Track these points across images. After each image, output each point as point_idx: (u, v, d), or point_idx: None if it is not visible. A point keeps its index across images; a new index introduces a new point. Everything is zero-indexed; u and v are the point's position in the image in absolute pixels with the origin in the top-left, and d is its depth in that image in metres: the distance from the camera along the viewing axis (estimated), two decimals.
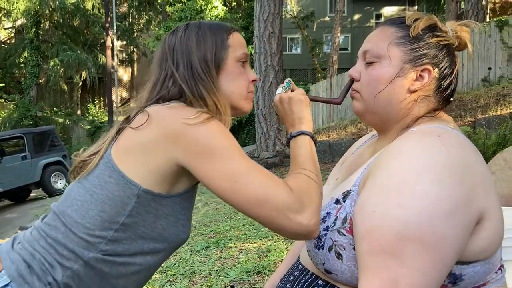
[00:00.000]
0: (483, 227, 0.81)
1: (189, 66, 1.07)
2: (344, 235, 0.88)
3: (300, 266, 1.06)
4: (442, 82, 0.96)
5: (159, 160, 0.96)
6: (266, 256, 3.40)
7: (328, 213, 0.94)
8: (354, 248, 0.85)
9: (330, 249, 0.90)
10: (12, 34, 25.63)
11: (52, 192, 10.90)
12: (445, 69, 0.96)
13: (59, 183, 11.30)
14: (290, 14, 23.86)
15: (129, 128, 1.01)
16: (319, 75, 22.25)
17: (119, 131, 1.05)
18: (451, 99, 0.99)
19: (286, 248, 3.50)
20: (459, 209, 0.76)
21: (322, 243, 0.92)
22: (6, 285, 0.97)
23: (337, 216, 0.91)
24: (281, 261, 3.20)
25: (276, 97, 1.12)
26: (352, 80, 1.04)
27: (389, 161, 0.84)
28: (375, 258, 0.77)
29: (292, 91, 1.12)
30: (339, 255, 0.88)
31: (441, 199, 0.76)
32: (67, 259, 0.99)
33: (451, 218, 0.75)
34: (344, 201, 0.92)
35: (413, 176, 0.78)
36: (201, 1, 16.51)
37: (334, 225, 0.90)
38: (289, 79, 1.16)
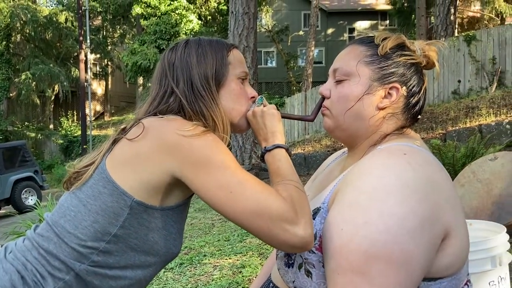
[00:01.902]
0: (449, 243, 0.82)
1: (190, 83, 1.07)
2: (314, 252, 0.87)
3: (271, 285, 1.05)
4: (410, 100, 0.98)
5: (154, 171, 0.96)
6: (240, 272, 3.37)
7: None
8: (323, 266, 0.85)
9: (300, 267, 0.90)
10: None
11: (22, 209, 10.61)
12: (413, 87, 0.97)
13: (30, 199, 10.99)
14: (265, 28, 24.08)
15: (124, 139, 1.01)
16: (294, 88, 22.43)
17: (114, 142, 1.04)
18: (419, 116, 1.01)
19: (260, 264, 3.48)
20: (425, 226, 0.77)
21: (292, 261, 0.92)
22: None
23: None
24: (255, 277, 3.18)
25: (249, 111, 1.12)
26: (323, 98, 1.05)
27: (357, 180, 0.84)
28: (343, 277, 0.78)
29: (264, 106, 1.13)
30: (308, 273, 0.88)
31: (407, 217, 0.76)
32: (58, 270, 0.98)
33: (417, 235, 0.76)
34: (314, 218, 0.92)
35: (380, 195, 0.79)
36: (176, 15, 16.51)
37: None
38: (261, 95, 1.17)
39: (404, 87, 0.96)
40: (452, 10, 11.90)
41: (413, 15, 19.50)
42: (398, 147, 0.90)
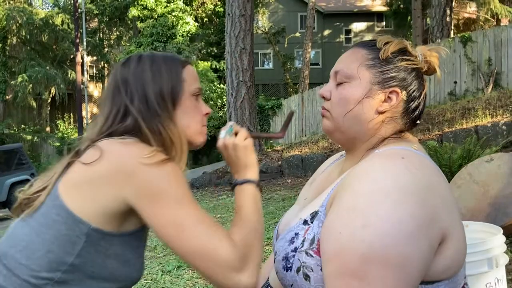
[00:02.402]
0: (446, 246, 0.83)
1: (144, 100, 1.04)
2: (312, 256, 0.88)
3: None
4: (410, 105, 0.98)
5: (110, 198, 0.93)
6: None
7: (296, 234, 0.94)
8: (322, 269, 0.85)
9: (298, 270, 0.90)
10: None
11: None
12: (413, 92, 0.98)
13: None
14: (262, 30, 24.10)
15: (79, 163, 0.97)
16: (291, 89, 22.47)
17: (68, 166, 1.00)
18: (418, 121, 1.02)
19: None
20: (422, 229, 0.78)
21: (290, 265, 0.92)
22: None
23: (305, 237, 0.91)
24: None
25: (220, 142, 1.12)
26: (292, 113, 1.10)
27: (355, 183, 0.85)
28: (341, 280, 0.78)
29: (236, 133, 1.13)
30: (307, 277, 0.88)
31: (404, 220, 0.77)
32: None
33: (415, 239, 0.77)
34: (312, 222, 0.92)
35: (377, 198, 0.79)
36: (172, 17, 16.50)
37: (302, 246, 0.90)
38: (232, 122, 1.17)
39: (404, 92, 0.97)
40: (448, 12, 11.95)
41: (409, 17, 19.57)
42: (396, 150, 0.91)
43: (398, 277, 0.75)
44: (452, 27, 12.66)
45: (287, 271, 0.92)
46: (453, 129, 7.89)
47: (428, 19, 17.46)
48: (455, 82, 10.54)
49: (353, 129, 0.99)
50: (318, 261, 0.86)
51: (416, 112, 1.00)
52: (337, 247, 0.80)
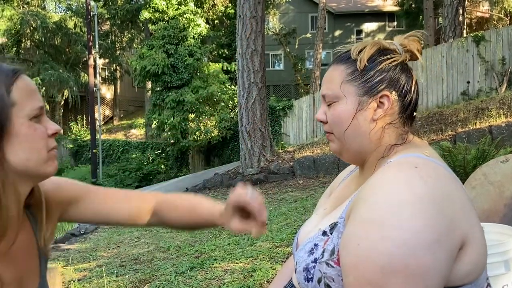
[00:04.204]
0: (466, 252, 0.82)
1: None
2: (333, 266, 0.88)
3: None
4: (405, 100, 0.97)
5: None
6: (251, 276, 3.38)
7: (316, 245, 0.94)
8: (342, 280, 0.85)
9: (319, 281, 0.90)
10: None
11: None
12: (403, 87, 0.97)
13: None
14: (272, 31, 24.13)
15: None
16: (302, 90, 22.44)
17: None
18: (415, 113, 1.00)
19: (272, 268, 3.48)
20: (442, 238, 0.78)
21: (311, 275, 0.92)
22: None
23: (325, 248, 0.91)
24: (267, 281, 3.18)
25: None
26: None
27: (370, 195, 0.84)
28: None
29: None
30: (328, 287, 0.89)
31: (423, 230, 0.77)
32: None
33: (434, 248, 0.76)
34: (331, 233, 0.93)
35: (394, 209, 0.79)
36: (183, 19, 16.57)
37: (322, 257, 0.91)
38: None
39: (394, 92, 0.96)
40: (461, 11, 11.84)
41: (421, 16, 19.45)
42: (408, 159, 0.90)
43: (418, 287, 0.76)
44: (465, 27, 12.54)
45: (308, 281, 0.93)
46: (467, 129, 7.82)
47: (440, 19, 17.34)
48: (468, 82, 10.44)
49: (356, 144, 0.98)
50: (338, 272, 0.87)
51: (412, 105, 0.99)
52: (355, 260, 0.80)
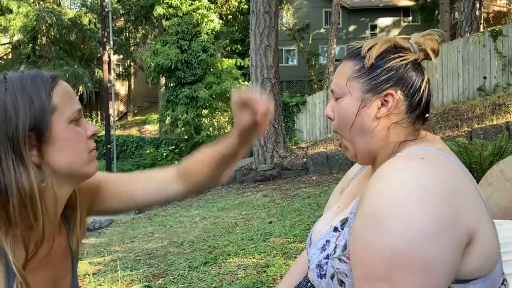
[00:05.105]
0: (475, 246, 0.81)
1: None
2: (346, 262, 0.88)
3: (309, 284, 1.05)
4: (413, 100, 0.95)
5: None
6: (264, 271, 3.38)
7: (328, 241, 0.94)
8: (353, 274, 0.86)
9: (332, 277, 0.90)
10: (9, 50, 25.71)
11: None
12: (411, 87, 0.95)
13: None
14: (286, 27, 24.05)
15: None
16: (316, 86, 22.35)
17: None
18: (427, 114, 0.98)
19: (285, 263, 3.48)
20: (446, 230, 0.76)
21: (324, 272, 0.92)
22: None
23: (337, 244, 0.91)
24: (280, 277, 3.18)
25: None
26: None
27: (375, 187, 0.84)
28: (369, 284, 0.78)
29: None
30: (341, 283, 0.89)
31: (428, 222, 0.76)
32: None
33: (438, 240, 0.75)
34: (342, 229, 0.93)
35: (399, 200, 0.78)
36: (197, 15, 16.61)
37: (334, 253, 0.91)
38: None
39: (399, 91, 0.94)
40: (477, 5, 11.67)
41: (436, 11, 19.20)
42: (416, 152, 0.89)
43: (424, 279, 0.75)
44: (482, 21, 12.36)
45: (321, 278, 0.93)
46: (483, 125, 7.71)
47: (456, 13, 17.11)
48: (485, 78, 10.29)
49: (363, 142, 0.98)
50: (351, 267, 0.87)
51: (422, 105, 0.96)
52: (362, 253, 0.80)
